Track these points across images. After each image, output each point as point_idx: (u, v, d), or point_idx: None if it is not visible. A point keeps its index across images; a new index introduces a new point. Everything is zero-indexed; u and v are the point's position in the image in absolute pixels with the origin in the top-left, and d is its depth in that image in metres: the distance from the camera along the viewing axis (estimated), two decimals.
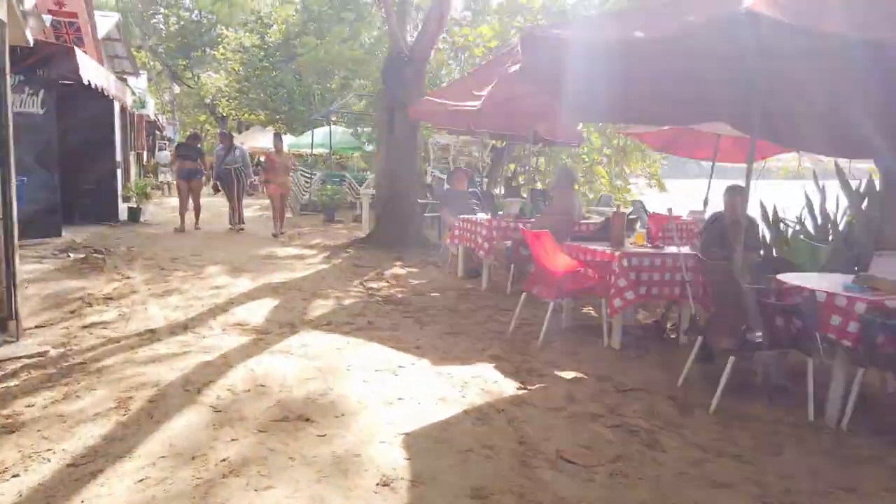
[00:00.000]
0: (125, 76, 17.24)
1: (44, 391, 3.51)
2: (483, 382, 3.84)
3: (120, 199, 12.79)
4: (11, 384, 3.62)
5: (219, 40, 39.79)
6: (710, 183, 9.23)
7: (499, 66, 7.28)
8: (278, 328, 5.07)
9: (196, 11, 46.83)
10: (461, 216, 7.44)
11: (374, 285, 6.96)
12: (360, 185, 16.88)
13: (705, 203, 9.15)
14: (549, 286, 4.85)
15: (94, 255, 8.25)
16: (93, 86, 8.87)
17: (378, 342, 4.71)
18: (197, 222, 11.14)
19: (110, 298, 5.91)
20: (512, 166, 17.05)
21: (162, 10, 42.34)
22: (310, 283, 6.92)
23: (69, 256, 8.09)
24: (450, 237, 7.51)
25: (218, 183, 10.93)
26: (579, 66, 4.40)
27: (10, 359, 4.02)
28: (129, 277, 6.98)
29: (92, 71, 8.83)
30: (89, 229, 10.73)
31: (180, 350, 4.33)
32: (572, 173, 6.53)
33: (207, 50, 46.49)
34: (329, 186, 13.27)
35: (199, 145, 11.24)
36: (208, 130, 55.48)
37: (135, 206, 12.35)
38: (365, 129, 19.28)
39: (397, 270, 7.90)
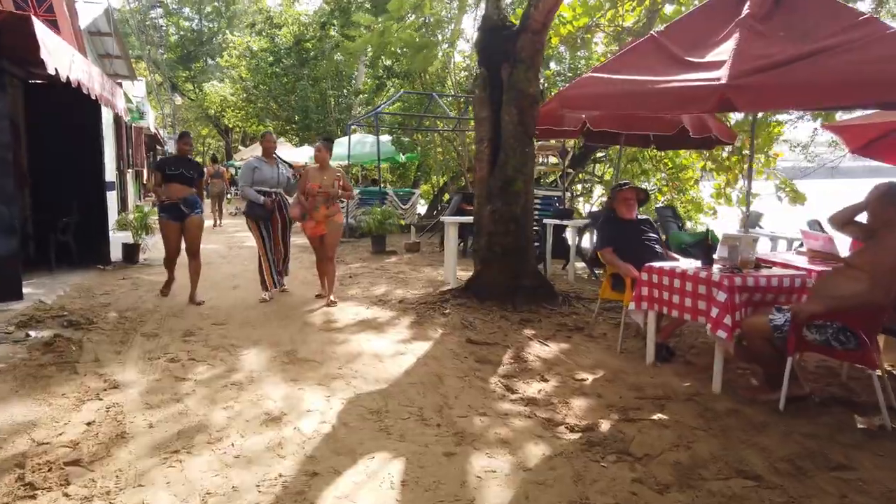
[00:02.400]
0: (119, 80, 14.50)
1: None
2: None
3: (112, 231, 9.97)
4: None
5: (223, 46, 37.20)
6: None
7: (717, 17, 4.42)
8: None
9: (197, 20, 44.44)
10: (651, 265, 4.57)
11: (532, 392, 4.07)
12: (404, 204, 14.07)
13: None
14: None
15: (67, 331, 5.40)
16: (63, 78, 6.04)
17: None
18: (194, 291, 6.69)
19: (76, 462, 3.03)
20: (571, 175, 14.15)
21: (162, 19, 39.81)
22: (427, 393, 4.03)
23: (27, 337, 5.24)
24: (633, 299, 4.63)
25: (249, 220, 6.63)
26: None
27: None
28: (116, 387, 4.11)
29: (61, 56, 6.01)
30: (69, 279, 7.88)
31: None
32: None
33: (209, 60, 44.05)
34: (379, 209, 10.43)
35: (192, 157, 6.70)
36: (210, 144, 52.86)
37: (132, 241, 9.52)
38: (400, 136, 16.47)
39: (539, 349, 5.01)
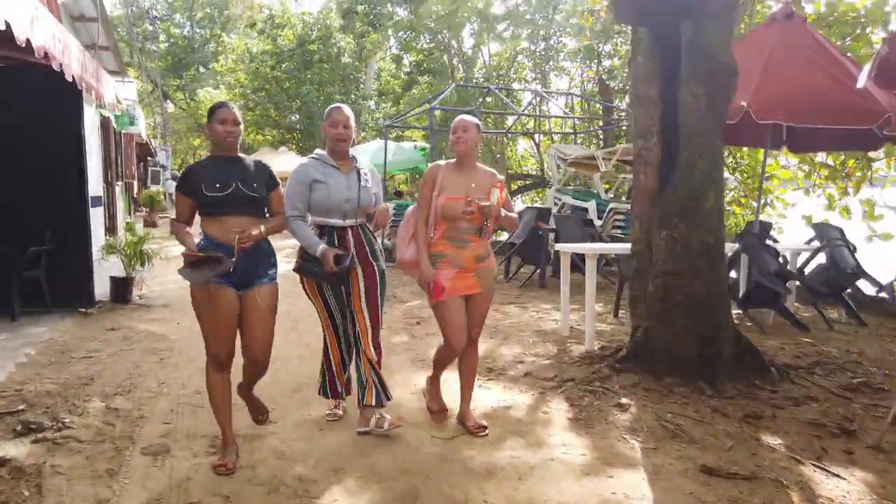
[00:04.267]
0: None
1: None
2: None
3: (98, 260, 7.76)
4: None
5: (219, 51, 35.00)
6: None
7: None
8: None
9: (188, 26, 42.38)
10: None
11: None
12: None
13: None
14: None
15: (21, 445, 3.25)
16: (20, 39, 3.93)
17: None
18: (253, 401, 3.38)
19: None
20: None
21: (157, 21, 37.63)
22: None
23: None
24: None
25: (304, 280, 3.49)
26: None
27: None
28: None
29: (16, 6, 3.90)
30: (37, 332, 5.72)
31: None
32: None
33: (201, 68, 41.87)
34: None
35: (248, 160, 3.17)
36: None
37: (123, 274, 7.34)
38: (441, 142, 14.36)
39: (834, 487, 2.90)
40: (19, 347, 5.20)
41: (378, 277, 3.45)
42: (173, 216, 3.19)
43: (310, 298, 3.55)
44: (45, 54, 4.52)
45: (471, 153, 3.38)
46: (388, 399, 3.39)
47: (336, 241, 3.37)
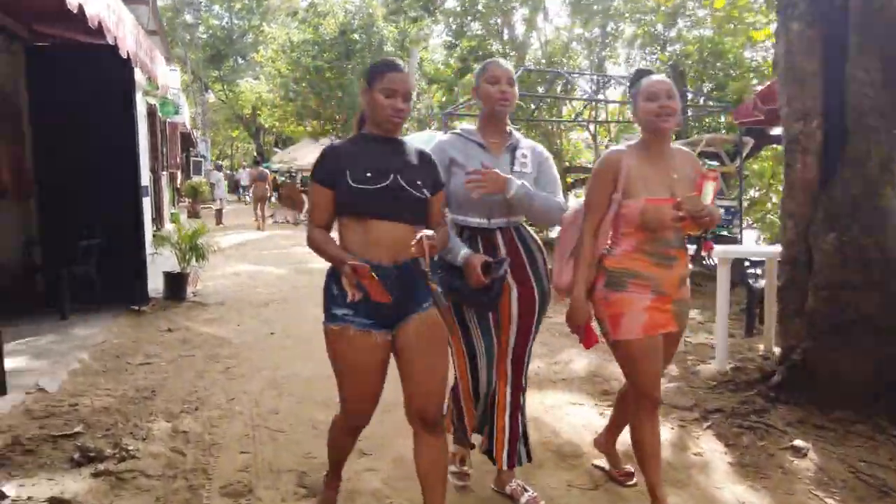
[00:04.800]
0: None
1: None
2: None
3: (149, 254, 7.28)
4: None
5: (260, 41, 34.72)
6: None
7: None
8: None
9: (227, 17, 42.23)
10: None
11: None
12: None
13: None
14: None
15: (78, 479, 2.71)
16: (73, 3, 3.40)
17: None
18: None
19: None
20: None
21: (200, 11, 37.57)
22: None
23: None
24: None
25: (444, 301, 2.24)
26: None
27: None
28: None
29: None
30: (89, 333, 5.23)
31: None
32: None
33: (239, 60, 41.79)
34: None
35: (410, 145, 2.24)
36: (238, 147, 50.20)
37: (179, 269, 6.84)
38: None
39: None
40: (71, 351, 4.72)
41: (538, 303, 2.54)
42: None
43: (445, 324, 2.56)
44: (99, 25, 4.01)
45: (668, 132, 2.38)
46: (528, 460, 2.67)
47: (481, 250, 2.48)
